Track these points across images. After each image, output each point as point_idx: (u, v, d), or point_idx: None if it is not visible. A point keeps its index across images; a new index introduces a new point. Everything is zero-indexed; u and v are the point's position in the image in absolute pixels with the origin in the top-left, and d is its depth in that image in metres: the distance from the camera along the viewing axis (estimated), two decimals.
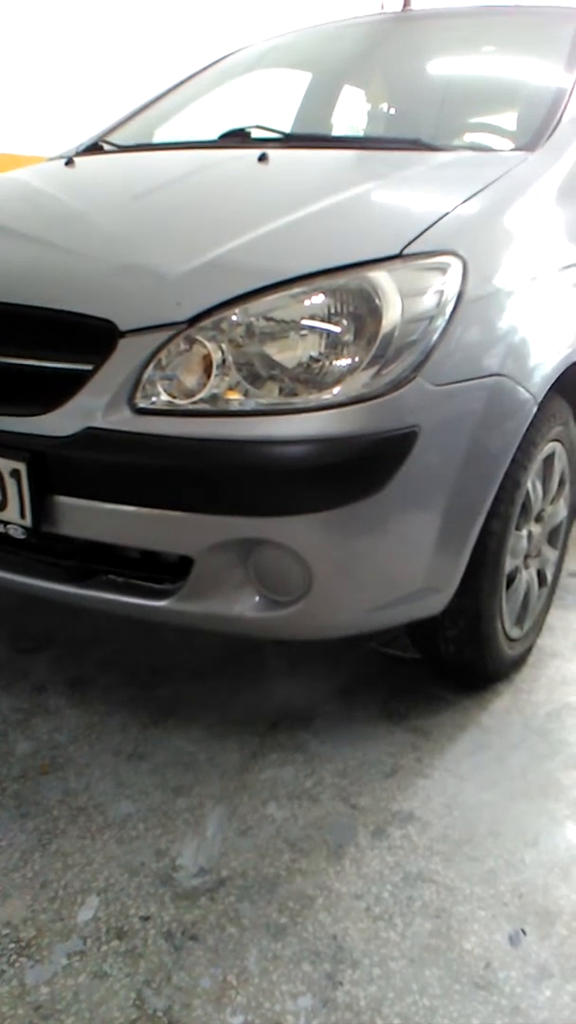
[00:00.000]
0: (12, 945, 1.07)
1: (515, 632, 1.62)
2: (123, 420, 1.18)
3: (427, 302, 1.21)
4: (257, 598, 1.25)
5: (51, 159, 2.12)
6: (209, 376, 1.18)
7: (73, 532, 1.24)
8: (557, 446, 1.59)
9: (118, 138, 2.21)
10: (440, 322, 1.22)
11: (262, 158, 1.66)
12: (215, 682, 1.64)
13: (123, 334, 1.19)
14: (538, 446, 1.47)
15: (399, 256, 1.23)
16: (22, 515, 1.24)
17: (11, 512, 1.25)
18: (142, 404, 1.18)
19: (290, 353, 1.18)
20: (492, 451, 1.32)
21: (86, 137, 2.28)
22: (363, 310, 1.18)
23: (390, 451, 1.18)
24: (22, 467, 1.21)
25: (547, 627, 1.82)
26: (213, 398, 1.17)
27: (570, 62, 1.85)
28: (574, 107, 1.73)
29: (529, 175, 1.53)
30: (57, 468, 1.21)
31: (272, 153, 1.69)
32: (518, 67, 2.11)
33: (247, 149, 1.77)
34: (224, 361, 1.17)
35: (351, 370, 1.17)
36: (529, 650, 1.73)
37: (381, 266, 1.21)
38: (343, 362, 1.17)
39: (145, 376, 1.18)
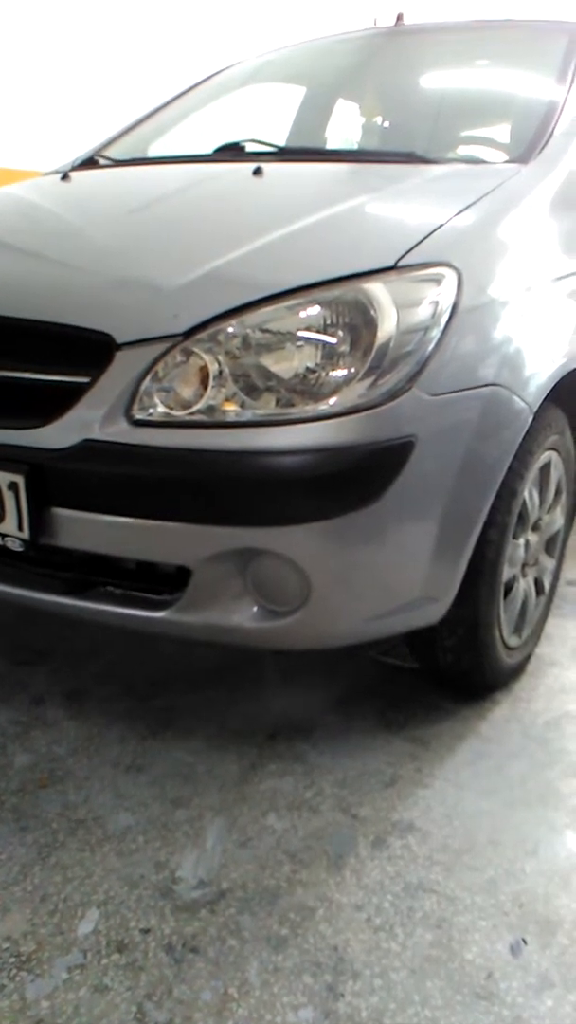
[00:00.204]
0: (12, 959, 1.06)
1: (513, 641, 1.62)
2: (120, 432, 1.18)
3: (422, 313, 1.22)
4: (255, 608, 1.25)
5: (47, 174, 2.13)
6: (206, 388, 1.18)
7: (71, 544, 1.25)
8: (553, 455, 1.60)
9: (114, 152, 2.23)
10: (435, 333, 1.23)
11: (257, 171, 1.67)
12: (213, 693, 1.64)
13: (120, 346, 1.20)
14: (534, 455, 1.48)
15: (394, 268, 1.24)
16: (20, 527, 1.24)
17: (9, 525, 1.25)
18: (139, 416, 1.19)
19: (286, 364, 1.19)
20: (488, 460, 1.33)
21: (82, 151, 2.30)
22: (359, 321, 1.19)
23: (387, 461, 1.19)
24: (20, 480, 1.21)
25: (545, 635, 1.83)
26: (210, 409, 1.18)
27: (562, 75, 1.87)
28: (566, 119, 1.75)
29: (522, 187, 1.54)
30: (55, 480, 1.21)
31: (267, 167, 1.70)
32: (511, 80, 2.14)
33: (242, 163, 1.79)
34: (221, 372, 1.18)
35: (347, 381, 1.18)
36: (527, 659, 1.73)
37: (376, 278, 1.22)
38: (339, 373, 1.18)
39: (142, 388, 1.19)
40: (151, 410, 1.19)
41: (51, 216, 1.74)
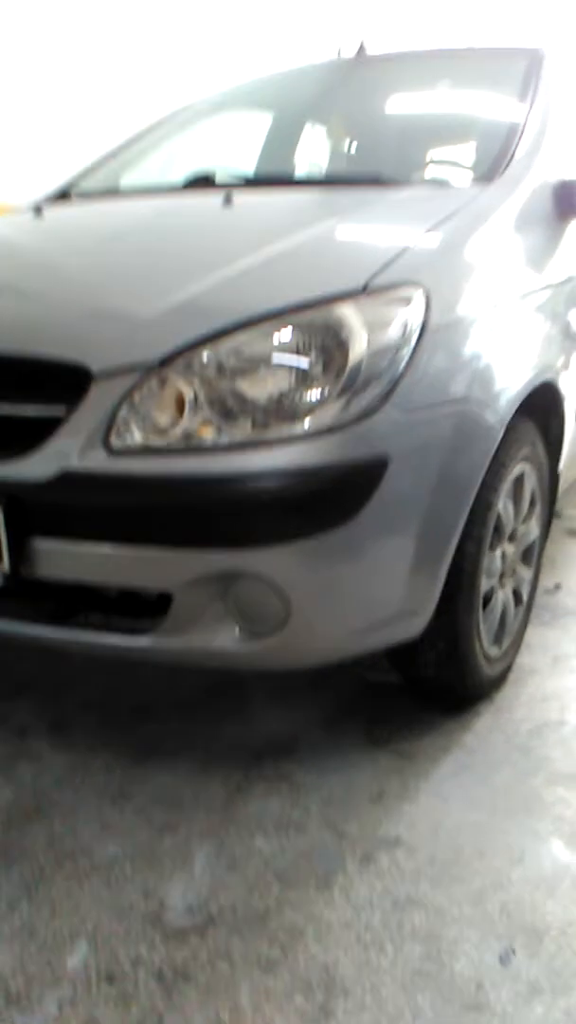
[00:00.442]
0: (1, 997, 1.05)
1: (493, 651, 1.64)
2: (98, 461, 1.19)
3: (392, 333, 1.25)
4: (237, 630, 1.26)
5: (20, 209, 2.15)
6: (182, 414, 1.20)
7: (52, 574, 1.25)
8: (526, 467, 1.63)
9: (86, 185, 2.26)
10: (406, 352, 1.25)
11: (227, 201, 1.70)
12: (197, 716, 1.64)
13: (96, 376, 1.21)
14: (507, 467, 1.51)
15: (363, 291, 1.27)
16: (0, 559, 1.24)
17: None
18: (117, 444, 1.20)
19: (261, 388, 1.21)
20: (462, 474, 1.35)
21: (53, 184, 2.32)
22: (331, 344, 1.22)
23: (362, 479, 1.21)
24: None
25: (525, 645, 1.85)
26: (187, 435, 1.19)
27: (521, 97, 1.93)
28: (527, 141, 1.79)
29: (487, 207, 1.58)
30: (35, 511, 1.22)
31: (236, 196, 1.73)
32: (473, 103, 2.19)
33: (212, 193, 1.82)
34: (196, 399, 1.20)
35: (321, 402, 1.20)
36: (509, 668, 1.75)
37: (346, 301, 1.25)
38: (313, 394, 1.20)
39: (119, 417, 1.20)
40: (128, 438, 1.20)
41: (25, 250, 1.75)
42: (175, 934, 1.14)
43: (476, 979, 1.07)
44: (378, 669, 1.72)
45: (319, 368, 1.21)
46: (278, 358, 1.22)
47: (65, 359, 1.23)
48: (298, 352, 1.22)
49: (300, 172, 2.47)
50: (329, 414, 1.19)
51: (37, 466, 1.21)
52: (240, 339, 1.21)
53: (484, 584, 1.53)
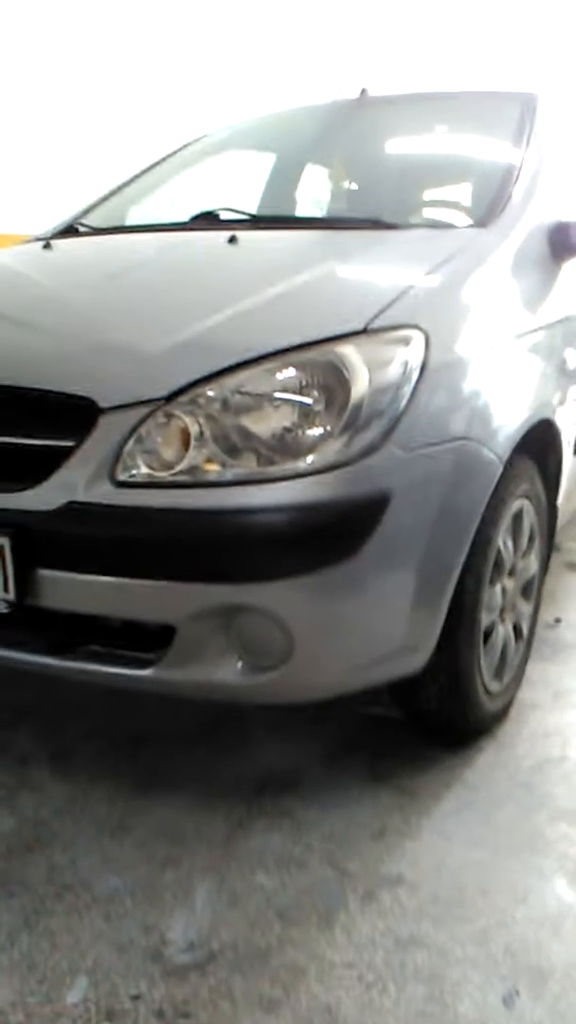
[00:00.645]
0: None
1: (495, 686, 1.65)
2: (104, 493, 1.21)
3: (393, 373, 1.28)
4: (240, 664, 1.27)
5: (28, 241, 2.20)
6: (187, 449, 1.22)
7: (57, 604, 1.26)
8: (525, 502, 1.65)
9: (93, 220, 2.31)
10: (406, 391, 1.28)
11: (232, 240, 1.75)
12: (199, 749, 1.64)
13: (104, 411, 1.23)
14: (507, 504, 1.53)
15: (364, 331, 1.30)
16: (5, 589, 1.25)
17: None
18: (123, 477, 1.22)
19: (265, 424, 1.23)
20: (462, 511, 1.37)
21: (57, 216, 2.38)
22: (333, 382, 1.24)
23: (363, 515, 1.23)
24: (5, 542, 1.23)
25: (526, 679, 1.85)
26: (192, 470, 1.21)
27: (517, 141, 1.98)
28: (523, 184, 1.84)
29: (484, 249, 1.62)
30: (40, 542, 1.23)
31: (241, 235, 1.78)
32: (470, 147, 2.25)
33: (217, 231, 1.86)
34: (202, 434, 1.22)
35: (324, 439, 1.22)
36: (510, 703, 1.75)
37: (348, 341, 1.28)
38: (316, 431, 1.23)
39: (125, 450, 1.22)
40: (134, 471, 1.22)
41: (34, 284, 1.79)
42: (176, 970, 1.13)
43: (480, 1021, 1.06)
44: (380, 704, 1.72)
45: (322, 406, 1.24)
46: (281, 396, 1.24)
47: (73, 393, 1.25)
48: (301, 390, 1.25)
49: (302, 212, 2.53)
50: (332, 451, 1.21)
51: (44, 497, 1.23)
52: (244, 376, 1.24)
53: (485, 619, 1.54)
